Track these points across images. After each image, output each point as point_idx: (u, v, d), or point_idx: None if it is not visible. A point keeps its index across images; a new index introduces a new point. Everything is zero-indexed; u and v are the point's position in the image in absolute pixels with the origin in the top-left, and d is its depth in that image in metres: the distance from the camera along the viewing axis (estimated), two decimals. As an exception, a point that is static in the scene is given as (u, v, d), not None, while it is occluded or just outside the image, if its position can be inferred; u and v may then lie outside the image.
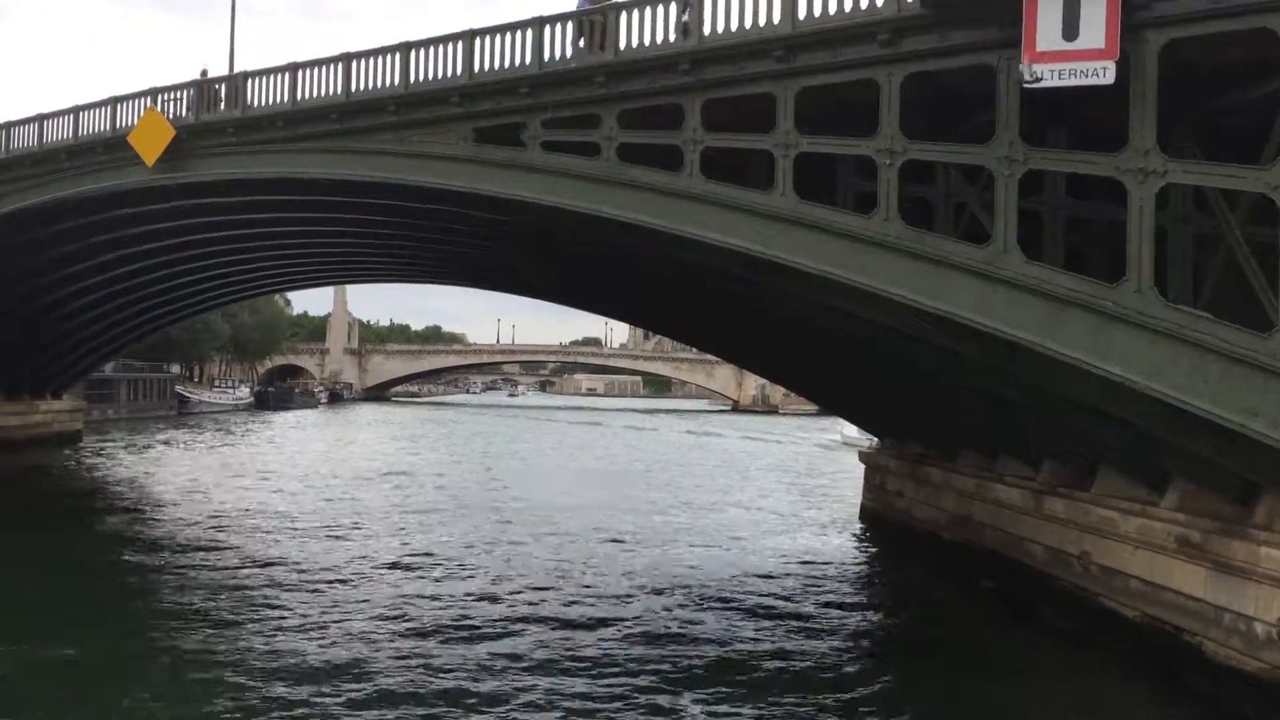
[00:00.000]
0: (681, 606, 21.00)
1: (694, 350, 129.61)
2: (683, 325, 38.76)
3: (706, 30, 17.47)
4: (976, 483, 24.30)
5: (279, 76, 23.60)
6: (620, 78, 18.52)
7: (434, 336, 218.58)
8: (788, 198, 16.75)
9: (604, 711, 14.46)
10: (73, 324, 44.36)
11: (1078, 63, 13.81)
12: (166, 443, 61.18)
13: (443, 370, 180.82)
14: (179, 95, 25.67)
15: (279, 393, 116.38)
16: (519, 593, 21.80)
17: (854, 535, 32.00)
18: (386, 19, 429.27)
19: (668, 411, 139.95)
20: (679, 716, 14.46)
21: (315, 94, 22.95)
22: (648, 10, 18.15)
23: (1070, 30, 13.78)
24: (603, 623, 19.37)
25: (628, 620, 19.65)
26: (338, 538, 28.19)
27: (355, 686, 15.01)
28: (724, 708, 14.82)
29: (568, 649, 17.45)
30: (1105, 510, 18.45)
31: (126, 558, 24.95)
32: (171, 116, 25.39)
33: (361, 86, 22.12)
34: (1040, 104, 14.92)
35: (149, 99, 26.08)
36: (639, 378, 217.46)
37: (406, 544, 27.52)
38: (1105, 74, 13.72)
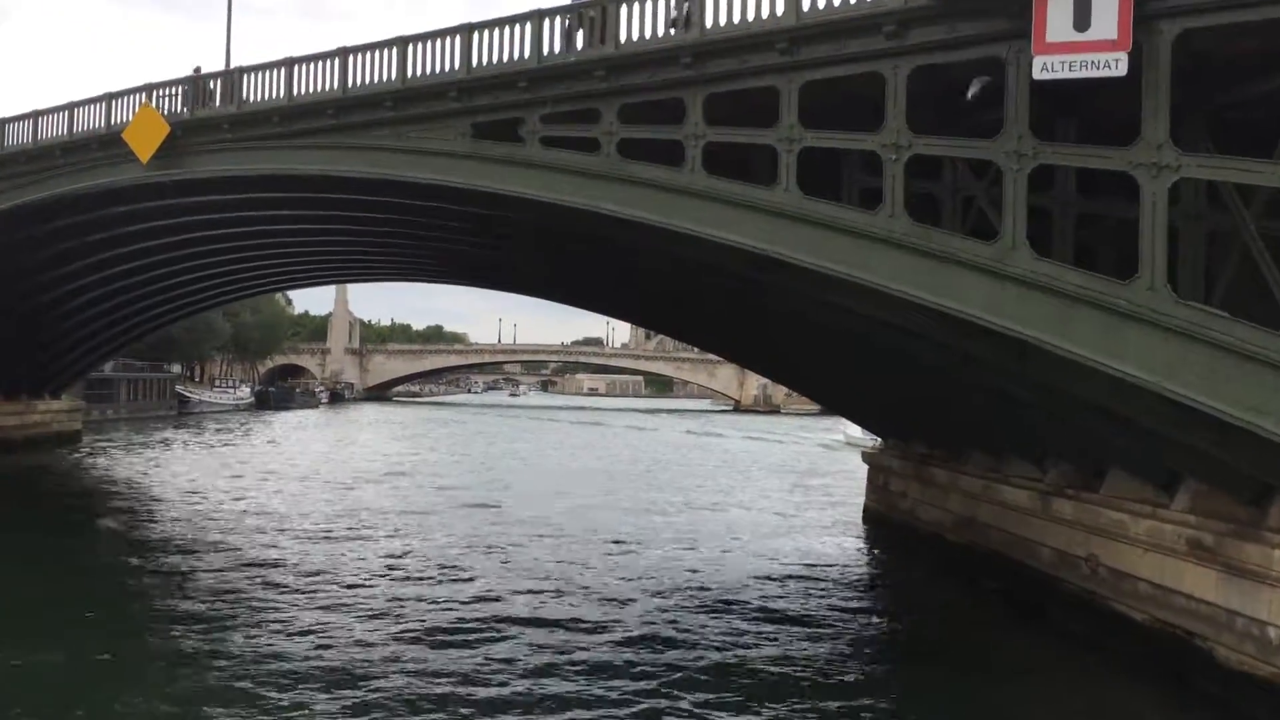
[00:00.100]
0: (682, 609, 20.76)
1: (695, 350, 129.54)
2: (684, 324, 38.49)
3: (709, 23, 17.17)
4: (982, 484, 24.03)
5: (274, 72, 23.34)
6: (621, 71, 18.23)
7: (435, 336, 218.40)
8: (791, 194, 16.46)
9: (603, 715, 14.25)
10: (71, 323, 44.11)
11: (1089, 54, 13.49)
12: (166, 443, 60.92)
13: (444, 370, 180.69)
14: (174, 91, 25.40)
15: (280, 392, 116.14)
16: (519, 594, 21.57)
17: (857, 537, 31.72)
18: (387, 18, 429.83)
19: (669, 411, 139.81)
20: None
21: (311, 89, 22.68)
22: (649, 2, 17.84)
23: (1081, 21, 13.47)
24: (603, 625, 19.15)
25: (628, 623, 19.42)
26: (337, 539, 27.96)
27: (352, 690, 14.82)
28: (725, 711, 14.65)
29: (567, 652, 17.23)
30: (1114, 512, 18.17)
31: (124, 559, 24.74)
32: (166, 113, 25.15)
33: (358, 82, 21.86)
34: (1050, 97, 14.63)
35: (144, 95, 25.80)
36: (641, 378, 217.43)
37: (406, 546, 27.29)
38: (1117, 65, 13.41)
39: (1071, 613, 19.03)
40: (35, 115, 29.26)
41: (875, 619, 21.67)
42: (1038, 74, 13.95)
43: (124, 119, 26.15)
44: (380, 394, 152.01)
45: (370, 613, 19.52)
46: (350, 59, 22.00)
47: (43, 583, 21.65)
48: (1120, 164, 14.07)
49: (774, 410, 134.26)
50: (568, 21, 18.93)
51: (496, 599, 21.12)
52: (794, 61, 16.44)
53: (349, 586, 21.85)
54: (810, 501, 40.42)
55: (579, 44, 18.78)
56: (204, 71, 25.71)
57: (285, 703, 14.24)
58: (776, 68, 16.63)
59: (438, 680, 15.47)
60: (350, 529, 29.75)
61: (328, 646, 17.05)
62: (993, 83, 15.20)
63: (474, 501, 37.12)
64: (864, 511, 33.88)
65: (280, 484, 41.09)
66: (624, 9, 18.11)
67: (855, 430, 55.61)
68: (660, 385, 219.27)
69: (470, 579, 23.17)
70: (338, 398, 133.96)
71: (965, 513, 24.84)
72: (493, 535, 29.39)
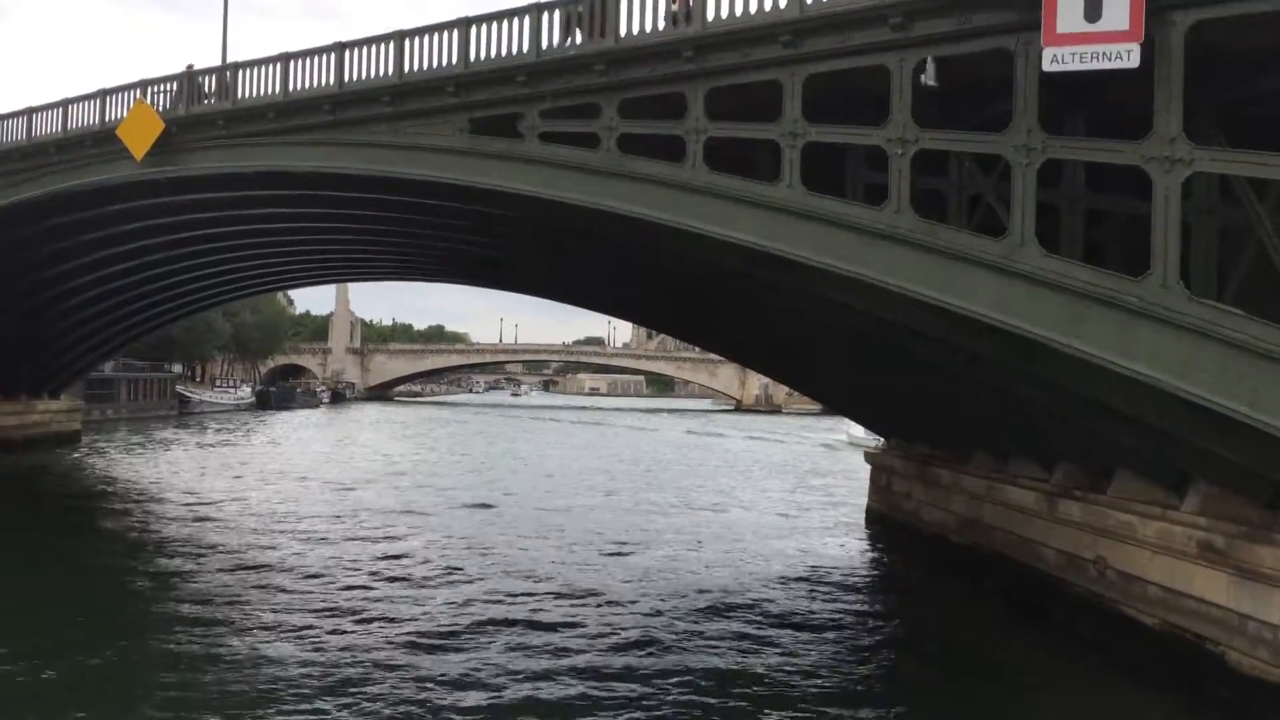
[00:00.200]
0: (683, 611, 20.53)
1: (697, 350, 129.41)
2: (685, 323, 38.20)
3: (710, 15, 16.88)
4: (987, 484, 23.74)
5: (270, 67, 23.09)
6: (621, 65, 17.95)
7: (437, 336, 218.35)
8: (795, 189, 16.18)
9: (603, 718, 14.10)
10: (70, 321, 43.88)
11: (1100, 45, 13.19)
12: (165, 443, 60.68)
13: (445, 370, 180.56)
14: (169, 87, 25.11)
15: (280, 392, 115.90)
16: (518, 597, 21.34)
17: (859, 538, 31.45)
18: (388, 16, 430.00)
19: (670, 411, 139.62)
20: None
21: (307, 85, 22.45)
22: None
23: (1093, 11, 13.17)
24: (603, 628, 18.92)
25: (628, 626, 19.19)
26: (336, 540, 27.72)
27: (350, 692, 14.68)
28: (726, 714, 14.49)
29: (567, 655, 17.02)
30: (1122, 514, 17.86)
31: (122, 560, 24.55)
32: (161, 109, 24.85)
33: (355, 77, 21.62)
34: (1059, 90, 14.33)
35: (139, 91, 25.55)
36: (642, 377, 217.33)
37: (405, 547, 27.04)
38: (1129, 57, 13.10)
39: (1079, 616, 18.74)
40: (30, 112, 29.01)
41: (877, 621, 21.43)
42: (1047, 66, 13.64)
43: (119, 115, 25.90)
44: (382, 394, 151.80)
45: (369, 615, 19.29)
46: (347, 54, 21.76)
47: (40, 583, 21.51)
48: (1132, 158, 13.76)
49: (775, 410, 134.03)
50: (566, 15, 18.64)
51: (495, 601, 20.88)
52: (797, 54, 16.15)
53: (348, 588, 21.63)
54: (812, 502, 40.15)
55: (578, 38, 18.49)
56: (199, 68, 25.43)
57: (282, 705, 14.11)
58: (779, 61, 16.34)
59: (436, 685, 15.25)
60: (349, 530, 29.51)
61: (326, 649, 16.86)
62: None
63: (474, 502, 36.88)
64: (866, 512, 33.59)
65: (280, 485, 40.86)
66: (624, 1, 17.81)
67: (858, 430, 55.37)
68: (661, 385, 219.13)
69: (469, 581, 22.92)
70: (339, 398, 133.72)
71: (969, 514, 24.55)
72: (492, 537, 29.15)
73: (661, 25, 17.54)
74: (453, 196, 21.99)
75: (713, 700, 14.99)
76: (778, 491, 43.89)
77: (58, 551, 25.48)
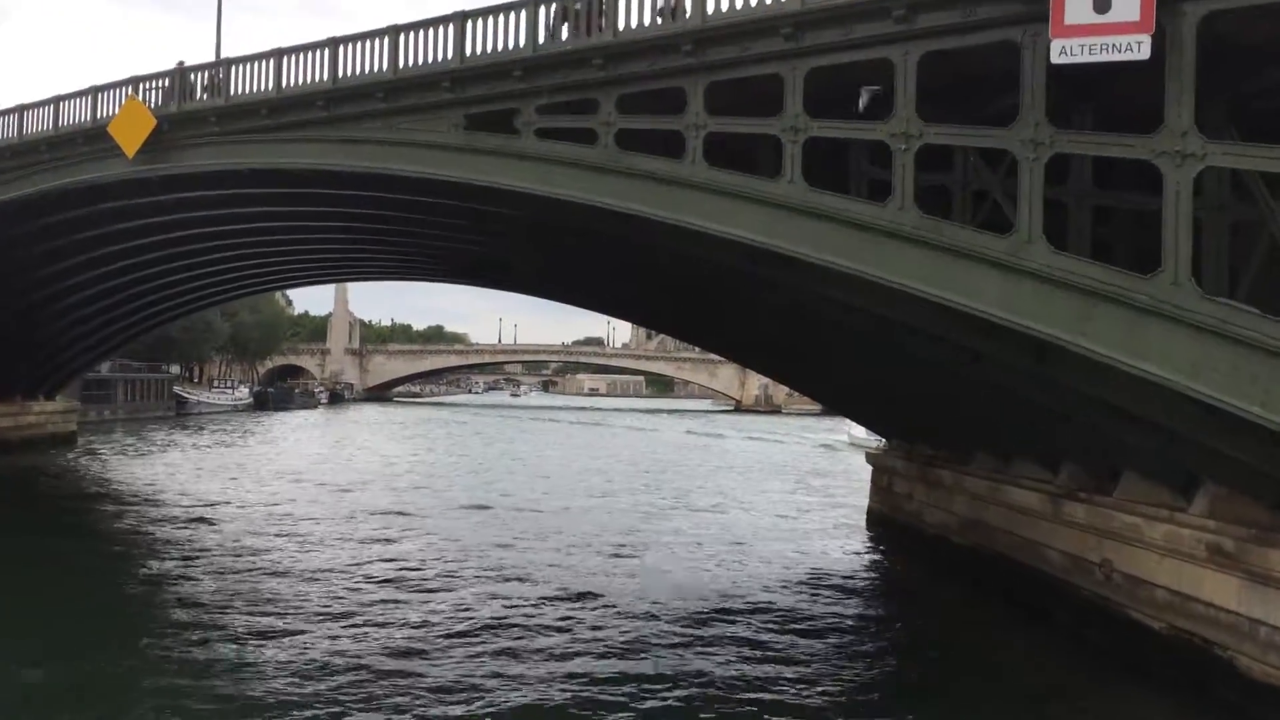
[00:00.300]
0: (682, 613, 20.29)
1: (696, 350, 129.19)
2: (684, 322, 37.91)
3: (710, 8, 16.58)
4: (990, 485, 23.46)
5: (263, 63, 22.76)
6: (619, 60, 17.65)
7: (436, 336, 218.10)
8: (796, 185, 15.88)
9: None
10: (65, 321, 43.57)
11: (1110, 37, 12.90)
12: (162, 445, 60.40)
13: (445, 370, 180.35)
14: (161, 84, 24.79)
15: (279, 393, 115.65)
16: (516, 598, 21.10)
17: (860, 539, 31.20)
18: (387, 13, 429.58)
19: (670, 411, 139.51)
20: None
21: (301, 81, 22.13)
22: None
23: (1102, 3, 12.88)
24: (600, 632, 18.69)
25: (627, 628, 18.97)
26: (332, 542, 27.48)
27: (348, 694, 14.55)
28: (726, 716, 14.34)
29: (565, 659, 16.83)
30: (1129, 516, 17.57)
31: (116, 562, 24.40)
32: (153, 106, 24.53)
33: (349, 72, 21.31)
34: (1067, 83, 14.03)
35: (130, 88, 25.22)
36: (641, 378, 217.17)
37: (402, 550, 26.79)
38: (1140, 49, 12.81)
39: (1084, 619, 18.47)
40: (20, 110, 28.70)
41: (879, 624, 21.26)
42: (1056, 58, 13.35)
43: (110, 113, 25.56)
44: (380, 394, 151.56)
45: (365, 619, 19.06)
46: (341, 49, 21.45)
47: (35, 586, 21.34)
48: (1143, 152, 13.46)
49: (775, 410, 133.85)
50: (563, 9, 18.33)
51: (492, 604, 20.63)
52: (798, 48, 15.87)
53: (343, 591, 21.39)
54: (812, 503, 39.91)
55: (576, 32, 18.18)
56: (191, 64, 25.11)
57: (275, 709, 13.99)
58: (780, 54, 16.05)
59: (431, 690, 15.02)
60: (346, 532, 29.26)
61: (321, 652, 16.68)
62: (881, 92, 14.98)
63: (471, 504, 36.62)
64: (868, 514, 33.33)
65: (276, 486, 40.61)
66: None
67: (859, 431, 55.15)
68: (661, 385, 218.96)
69: (465, 584, 22.68)
70: (337, 398, 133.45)
71: (972, 515, 24.28)
72: (490, 539, 28.91)
73: (650, 21, 17.23)
74: (448, 194, 21.70)
75: (713, 704, 14.80)
76: (778, 492, 43.63)
77: (53, 554, 25.23)
